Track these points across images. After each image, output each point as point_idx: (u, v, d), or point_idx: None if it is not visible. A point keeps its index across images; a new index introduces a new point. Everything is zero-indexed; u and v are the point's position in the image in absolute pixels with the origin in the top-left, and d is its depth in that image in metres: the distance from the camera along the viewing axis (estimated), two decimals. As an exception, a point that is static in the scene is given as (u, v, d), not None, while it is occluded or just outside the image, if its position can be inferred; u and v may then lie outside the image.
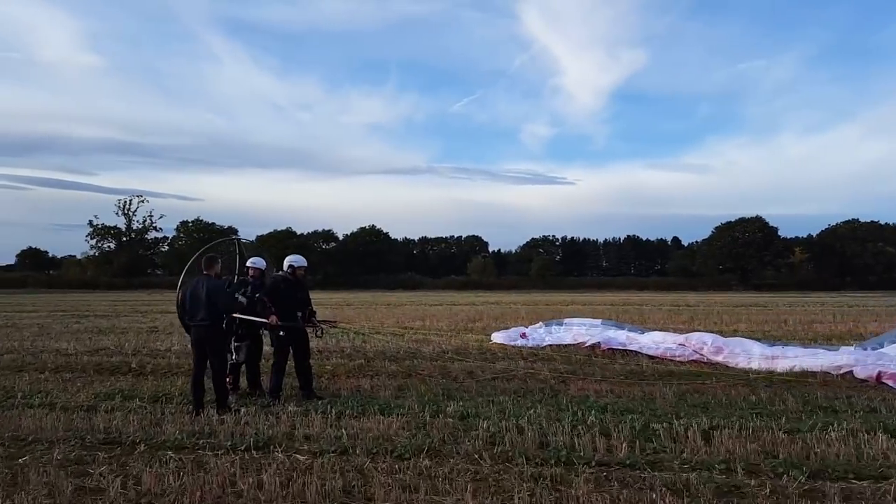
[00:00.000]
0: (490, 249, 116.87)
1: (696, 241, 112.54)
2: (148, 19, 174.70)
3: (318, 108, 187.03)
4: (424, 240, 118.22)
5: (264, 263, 9.66)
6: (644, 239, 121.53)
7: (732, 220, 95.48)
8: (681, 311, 28.72)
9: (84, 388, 9.99)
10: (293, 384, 9.35)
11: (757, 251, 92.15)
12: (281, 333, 8.64)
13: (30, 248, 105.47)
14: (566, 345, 14.53)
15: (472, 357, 13.05)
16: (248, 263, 9.55)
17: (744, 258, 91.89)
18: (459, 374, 11.06)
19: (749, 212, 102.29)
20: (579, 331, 15.38)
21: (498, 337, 15.68)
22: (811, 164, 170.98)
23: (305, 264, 9.22)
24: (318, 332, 9.16)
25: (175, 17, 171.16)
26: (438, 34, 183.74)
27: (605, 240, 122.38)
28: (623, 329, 15.37)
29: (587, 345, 14.31)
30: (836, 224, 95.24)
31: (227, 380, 9.11)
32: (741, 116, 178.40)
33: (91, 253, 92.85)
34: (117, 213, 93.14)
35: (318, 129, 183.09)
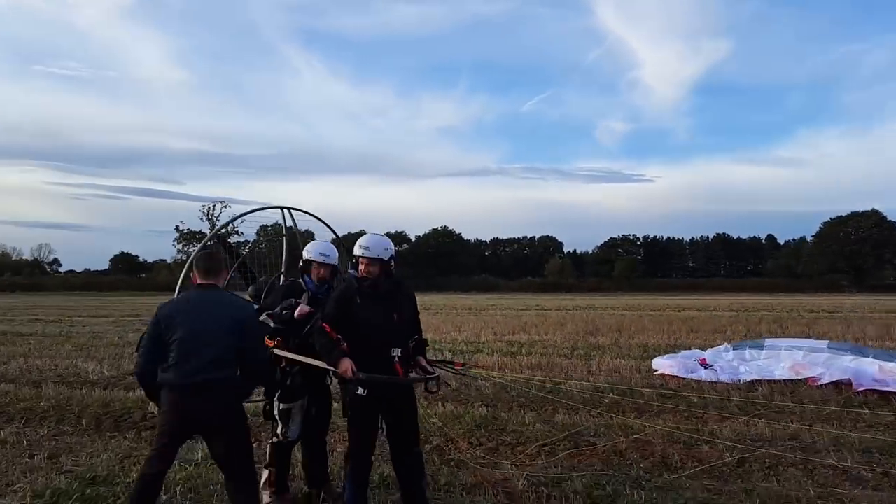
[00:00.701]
0: (565, 250, 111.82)
1: (794, 239, 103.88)
2: (231, 35, 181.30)
3: (390, 114, 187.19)
4: (496, 241, 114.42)
5: (335, 254, 5.09)
6: (735, 237, 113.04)
7: (843, 214, 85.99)
8: (822, 317, 22.79)
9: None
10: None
11: (873, 248, 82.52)
12: (360, 391, 4.22)
13: (122, 253, 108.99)
14: (779, 380, 9.55)
15: (648, 404, 8.25)
16: (306, 255, 5.01)
17: (858, 256, 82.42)
18: (659, 441, 6.31)
19: (849, 207, 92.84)
20: (796, 358, 10.28)
21: (664, 365, 10.76)
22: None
23: (392, 250, 4.54)
24: (433, 387, 4.57)
25: (256, 31, 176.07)
26: (509, 33, 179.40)
27: (692, 238, 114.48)
28: (864, 354, 10.15)
29: (819, 382, 9.29)
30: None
31: (266, 477, 4.86)
32: (837, 105, 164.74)
33: (178, 257, 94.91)
34: (202, 219, 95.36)
35: (390, 134, 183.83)
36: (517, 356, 12.66)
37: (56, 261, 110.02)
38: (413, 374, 4.46)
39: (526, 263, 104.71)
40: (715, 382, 9.74)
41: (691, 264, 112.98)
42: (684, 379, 9.97)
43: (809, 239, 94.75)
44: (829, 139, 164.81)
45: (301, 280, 4.93)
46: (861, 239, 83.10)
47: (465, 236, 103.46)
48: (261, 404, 5.03)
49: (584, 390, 9.05)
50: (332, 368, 4.17)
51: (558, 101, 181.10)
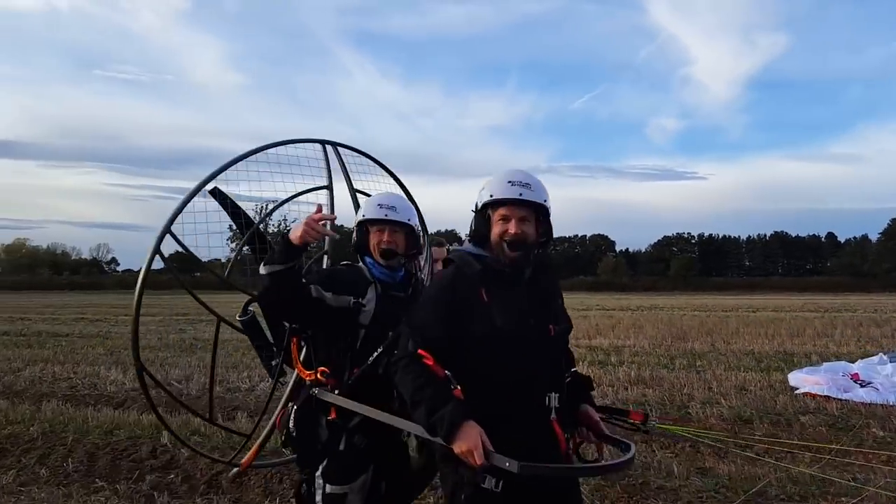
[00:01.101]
0: (617, 248, 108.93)
1: (855, 237, 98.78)
2: (285, 38, 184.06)
3: (438, 114, 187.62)
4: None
5: (410, 209, 3.06)
6: (794, 236, 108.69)
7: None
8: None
9: None
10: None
11: (948, 246, 77.15)
12: (489, 483, 2.10)
13: (176, 252, 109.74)
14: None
15: (818, 443, 6.11)
16: (361, 215, 3.01)
17: (931, 254, 77.18)
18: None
19: None
20: None
21: (807, 381, 8.51)
22: None
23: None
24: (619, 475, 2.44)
25: (308, 33, 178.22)
26: (558, 31, 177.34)
27: (749, 237, 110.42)
28: None
29: None
30: None
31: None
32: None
33: (232, 256, 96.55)
34: (254, 218, 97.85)
35: (439, 133, 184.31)
36: (608, 367, 10.57)
37: (114, 260, 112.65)
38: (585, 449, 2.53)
39: (577, 262, 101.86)
40: (883, 405, 7.49)
41: (748, 263, 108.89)
42: (841, 400, 7.73)
43: (873, 237, 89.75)
44: (890, 134, 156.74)
45: (360, 264, 2.97)
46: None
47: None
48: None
49: (723, 419, 6.95)
50: (439, 442, 2.16)
51: (608, 98, 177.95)
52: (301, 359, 2.92)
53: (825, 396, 7.89)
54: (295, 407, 2.89)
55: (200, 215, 3.24)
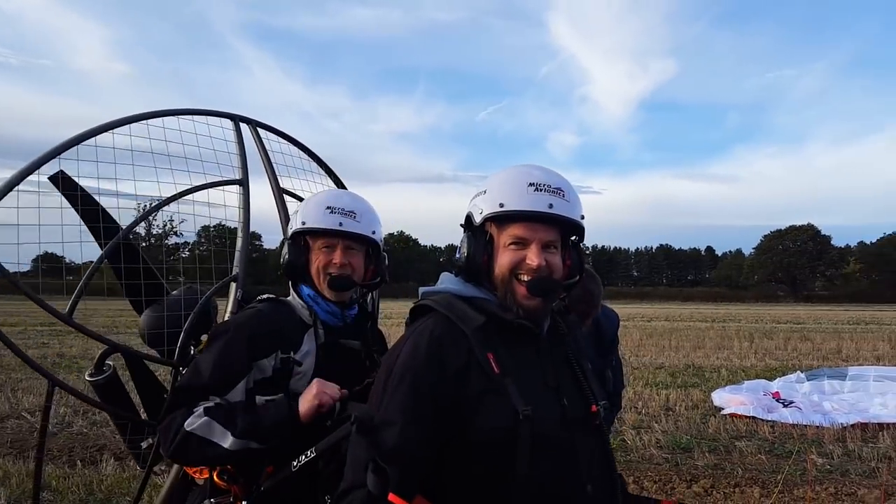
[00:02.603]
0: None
1: (731, 251, 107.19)
2: (178, 28, 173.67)
3: (345, 117, 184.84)
4: (451, 247, 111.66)
5: (370, 214, 2.07)
6: (677, 248, 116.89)
7: (781, 228, 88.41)
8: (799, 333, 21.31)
9: None
10: None
11: (808, 261, 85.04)
12: None
13: (46, 253, 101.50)
14: (886, 423, 7.32)
15: (762, 475, 5.82)
16: (299, 221, 2.01)
17: (795, 268, 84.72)
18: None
19: (779, 222, 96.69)
20: (897, 391, 8.12)
21: (731, 401, 8.35)
22: (840, 174, 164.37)
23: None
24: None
25: (206, 24, 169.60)
26: (466, 42, 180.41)
27: (637, 248, 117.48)
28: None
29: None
30: (893, 233, 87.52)
31: None
32: (770, 126, 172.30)
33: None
34: (137, 212, 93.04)
35: (346, 137, 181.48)
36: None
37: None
38: None
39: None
40: (805, 426, 7.41)
41: (636, 273, 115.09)
42: (768, 422, 7.58)
43: (746, 251, 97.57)
44: (762, 157, 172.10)
45: (294, 296, 2.04)
46: (798, 251, 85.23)
47: (422, 242, 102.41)
48: None
49: (661, 447, 6.55)
50: None
51: (513, 111, 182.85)
52: None
53: (751, 417, 7.74)
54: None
55: (28, 213, 2.07)
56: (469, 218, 1.58)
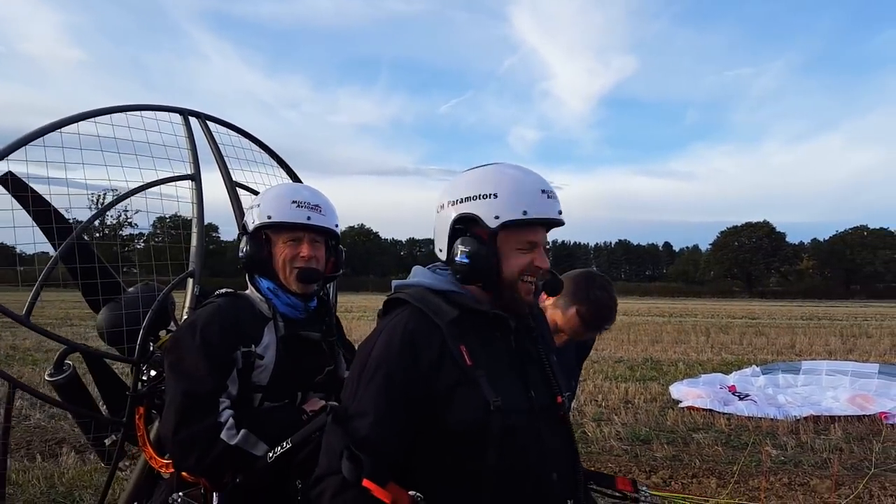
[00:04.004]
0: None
1: (688, 247, 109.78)
2: (132, 13, 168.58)
3: (305, 107, 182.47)
4: (412, 241, 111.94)
5: (330, 206, 2.07)
6: (635, 244, 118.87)
7: (738, 224, 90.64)
8: (753, 327, 22.00)
9: None
10: None
11: (764, 257, 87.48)
12: None
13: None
14: (839, 416, 7.57)
15: (718, 467, 5.94)
16: (259, 213, 1.96)
17: (750, 264, 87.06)
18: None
19: (735, 219, 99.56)
20: (846, 385, 8.40)
21: (688, 394, 8.52)
22: (795, 172, 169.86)
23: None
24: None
25: (161, 11, 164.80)
26: (428, 34, 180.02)
27: (596, 244, 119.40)
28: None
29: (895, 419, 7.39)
30: (845, 231, 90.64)
31: None
32: (727, 124, 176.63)
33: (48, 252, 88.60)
34: (90, 208, 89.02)
35: (305, 127, 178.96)
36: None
37: None
38: None
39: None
40: (760, 418, 7.60)
41: (595, 268, 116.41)
42: (725, 414, 7.75)
43: (703, 247, 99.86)
44: (719, 155, 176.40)
45: (252, 289, 2.01)
46: (753, 248, 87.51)
47: (382, 235, 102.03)
48: None
49: (621, 439, 6.63)
50: None
51: (474, 105, 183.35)
52: (152, 437, 1.93)
53: (708, 410, 7.90)
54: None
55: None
56: (471, 220, 1.53)
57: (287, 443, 1.68)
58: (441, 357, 1.44)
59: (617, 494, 2.12)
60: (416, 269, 1.66)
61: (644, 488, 2.14)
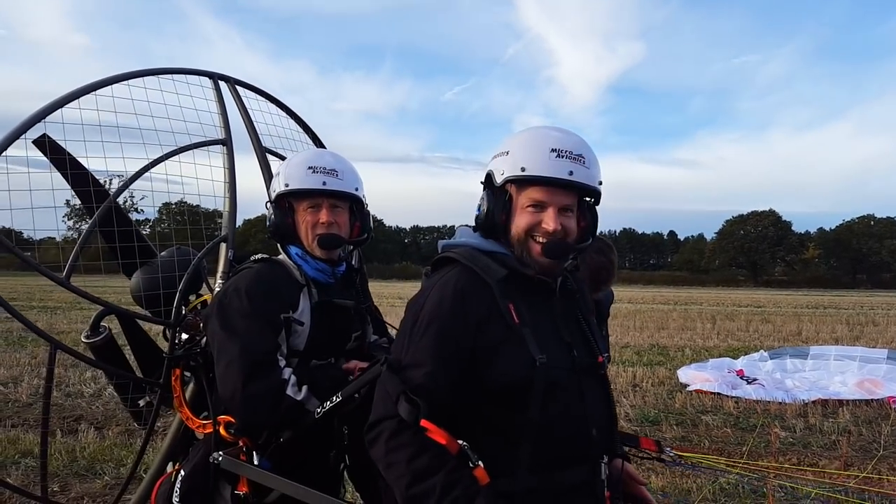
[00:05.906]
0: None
1: (693, 236, 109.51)
2: None
3: (310, 93, 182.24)
4: (416, 229, 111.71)
5: (353, 172, 2.10)
6: (640, 233, 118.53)
7: (743, 213, 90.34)
8: (769, 315, 21.99)
9: None
10: None
11: (769, 246, 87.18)
12: None
13: (3, 228, 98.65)
14: (847, 400, 7.61)
15: (727, 441, 5.99)
16: (281, 183, 2.01)
17: (755, 253, 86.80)
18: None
19: (740, 208, 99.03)
20: (854, 370, 8.43)
21: (696, 378, 8.59)
22: (801, 161, 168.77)
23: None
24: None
25: None
26: (433, 20, 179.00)
27: (601, 232, 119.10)
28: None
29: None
30: (852, 220, 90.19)
31: None
32: (734, 112, 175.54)
33: (70, 234, 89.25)
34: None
35: (309, 114, 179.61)
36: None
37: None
38: None
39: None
40: (768, 402, 7.65)
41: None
42: (733, 397, 7.80)
43: (708, 236, 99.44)
44: (724, 143, 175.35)
45: (281, 256, 2.06)
46: (759, 237, 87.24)
47: (386, 223, 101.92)
48: None
49: (630, 420, 6.69)
50: None
51: (479, 92, 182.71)
52: (188, 398, 1.98)
53: (716, 393, 7.95)
54: (182, 473, 1.91)
55: (18, 177, 2.06)
56: (490, 177, 1.63)
57: (337, 396, 1.74)
58: (490, 314, 1.50)
59: (641, 454, 2.26)
60: (462, 229, 1.71)
61: (668, 448, 2.24)
